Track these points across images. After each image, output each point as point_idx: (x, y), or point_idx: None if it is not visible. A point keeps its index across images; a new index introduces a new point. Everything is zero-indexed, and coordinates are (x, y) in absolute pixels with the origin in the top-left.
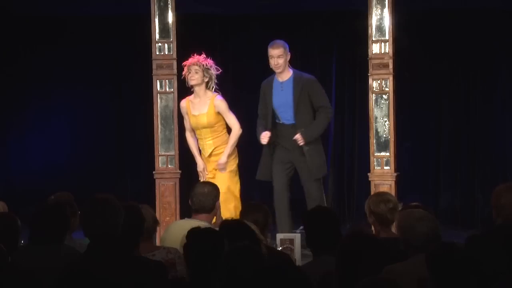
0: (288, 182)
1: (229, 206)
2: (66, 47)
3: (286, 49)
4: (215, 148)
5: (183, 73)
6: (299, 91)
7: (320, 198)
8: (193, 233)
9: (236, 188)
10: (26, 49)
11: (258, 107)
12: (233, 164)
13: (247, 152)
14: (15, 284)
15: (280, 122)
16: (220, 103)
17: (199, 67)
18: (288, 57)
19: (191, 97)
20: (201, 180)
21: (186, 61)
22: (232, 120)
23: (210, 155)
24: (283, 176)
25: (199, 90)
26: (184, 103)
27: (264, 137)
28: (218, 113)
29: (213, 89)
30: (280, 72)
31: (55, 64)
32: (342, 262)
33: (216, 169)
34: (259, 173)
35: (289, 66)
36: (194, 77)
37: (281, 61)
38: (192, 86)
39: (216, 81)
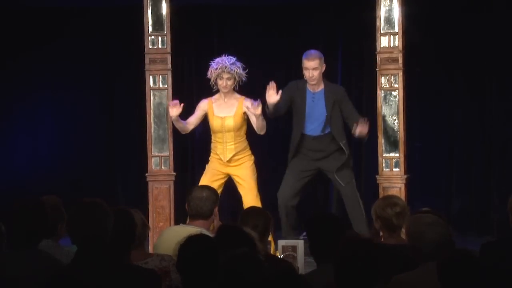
0: (298, 190)
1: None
2: (53, 40)
3: (322, 60)
4: (236, 153)
5: (211, 76)
6: (331, 103)
7: (357, 199)
8: (186, 240)
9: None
10: (9, 43)
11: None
12: (251, 160)
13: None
14: None
15: (303, 132)
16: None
17: (231, 74)
18: (323, 69)
19: (214, 98)
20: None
21: (214, 67)
22: None
23: (230, 160)
24: (294, 183)
25: (227, 92)
26: (206, 102)
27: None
28: (244, 115)
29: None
30: (314, 85)
31: (41, 59)
32: (340, 271)
33: (236, 175)
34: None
35: (322, 77)
36: (227, 85)
37: (316, 73)
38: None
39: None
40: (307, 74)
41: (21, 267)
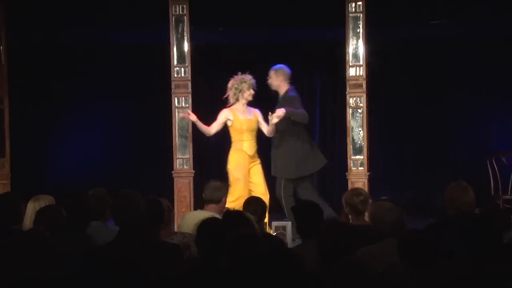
0: None
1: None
2: (103, 69)
3: (271, 73)
4: (256, 149)
5: (243, 88)
6: (277, 105)
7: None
8: (203, 222)
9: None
10: (72, 71)
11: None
12: None
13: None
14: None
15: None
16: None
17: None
18: (279, 78)
19: (232, 108)
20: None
21: (253, 82)
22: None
23: (254, 155)
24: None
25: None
26: (228, 111)
27: None
28: None
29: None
30: (276, 89)
31: (94, 82)
32: (322, 245)
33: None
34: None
35: (288, 84)
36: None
37: (269, 81)
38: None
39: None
40: None
41: (69, 246)
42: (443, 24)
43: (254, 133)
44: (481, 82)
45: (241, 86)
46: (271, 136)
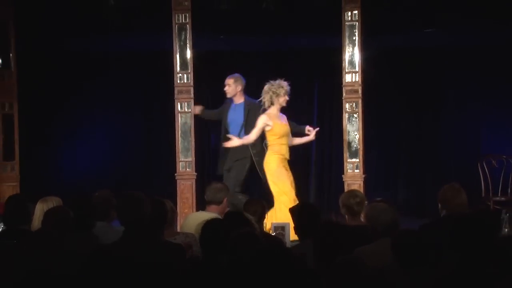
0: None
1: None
2: (109, 75)
3: (232, 81)
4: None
5: (281, 93)
6: (246, 113)
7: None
8: (206, 223)
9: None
10: (78, 77)
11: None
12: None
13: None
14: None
15: (229, 135)
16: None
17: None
18: (238, 88)
19: (268, 113)
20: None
21: (288, 90)
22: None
23: (288, 160)
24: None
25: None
26: (266, 117)
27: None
28: None
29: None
30: (234, 98)
31: (100, 88)
32: (319, 245)
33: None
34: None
35: (243, 93)
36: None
37: (227, 88)
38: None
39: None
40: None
41: (76, 246)
42: (435, 33)
43: (288, 138)
44: (472, 88)
45: (279, 91)
46: (291, 146)
